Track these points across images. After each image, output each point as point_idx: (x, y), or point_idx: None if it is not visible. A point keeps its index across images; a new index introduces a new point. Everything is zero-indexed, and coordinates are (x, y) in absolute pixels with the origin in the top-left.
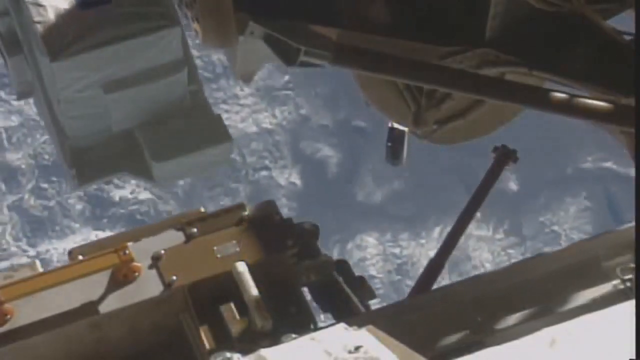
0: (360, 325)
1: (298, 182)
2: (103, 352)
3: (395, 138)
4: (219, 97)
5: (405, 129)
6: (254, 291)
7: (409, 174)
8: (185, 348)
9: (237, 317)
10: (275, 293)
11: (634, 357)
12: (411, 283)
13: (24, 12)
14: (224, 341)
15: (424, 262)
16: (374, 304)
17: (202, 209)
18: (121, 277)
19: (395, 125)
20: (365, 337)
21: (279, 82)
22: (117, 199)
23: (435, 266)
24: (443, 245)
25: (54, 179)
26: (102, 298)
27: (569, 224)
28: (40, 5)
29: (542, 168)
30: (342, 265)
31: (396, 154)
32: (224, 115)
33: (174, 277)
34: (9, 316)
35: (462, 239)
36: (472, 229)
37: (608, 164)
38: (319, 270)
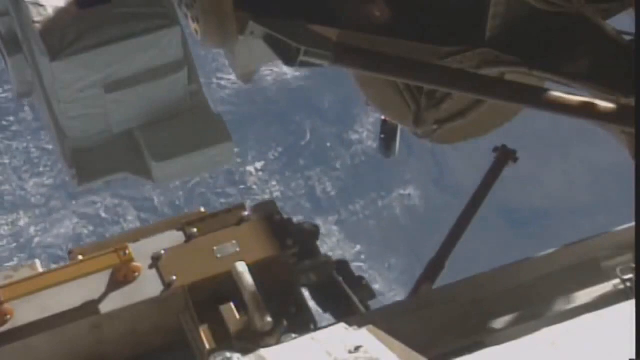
0: (360, 325)
1: None
2: (103, 352)
3: (388, 131)
4: None
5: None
6: (253, 291)
7: None
8: (185, 348)
9: (237, 317)
10: (275, 293)
11: (634, 357)
12: None
13: (24, 12)
14: (223, 341)
15: None
16: (374, 304)
17: (202, 209)
18: (121, 277)
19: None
20: (365, 337)
21: (350, 253)
22: None
23: (435, 266)
24: (443, 246)
25: None
26: (102, 298)
27: None
28: (40, 5)
29: None
30: (342, 265)
31: (388, 146)
32: None
33: (174, 277)
34: (9, 316)
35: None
36: None
37: None
38: (319, 270)
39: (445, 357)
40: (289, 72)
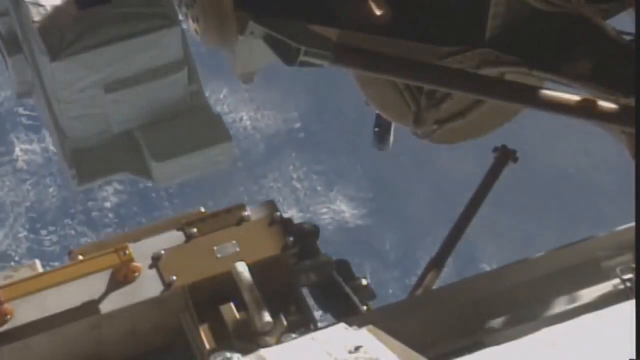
0: (360, 325)
1: None
2: (103, 352)
3: (382, 124)
4: None
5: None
6: (254, 291)
7: None
8: (185, 348)
9: (237, 316)
10: (275, 293)
11: (634, 357)
12: None
13: (24, 12)
14: (223, 341)
15: None
16: (374, 303)
17: (202, 209)
18: (121, 277)
19: None
20: (365, 337)
21: None
22: None
23: (435, 266)
24: (443, 245)
25: None
26: (102, 298)
27: None
28: (40, 5)
29: None
30: (342, 265)
31: (383, 139)
32: None
33: (174, 277)
34: (9, 316)
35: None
36: None
37: None
38: (319, 270)
39: (445, 357)
40: (347, 210)
